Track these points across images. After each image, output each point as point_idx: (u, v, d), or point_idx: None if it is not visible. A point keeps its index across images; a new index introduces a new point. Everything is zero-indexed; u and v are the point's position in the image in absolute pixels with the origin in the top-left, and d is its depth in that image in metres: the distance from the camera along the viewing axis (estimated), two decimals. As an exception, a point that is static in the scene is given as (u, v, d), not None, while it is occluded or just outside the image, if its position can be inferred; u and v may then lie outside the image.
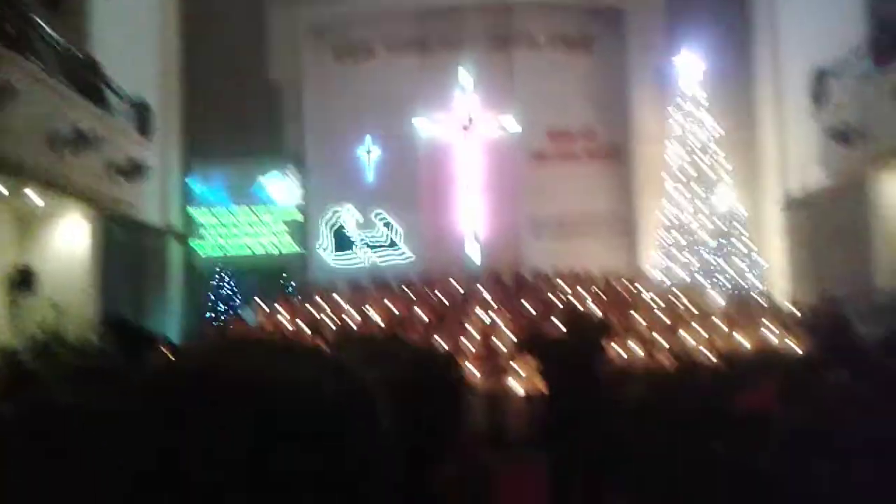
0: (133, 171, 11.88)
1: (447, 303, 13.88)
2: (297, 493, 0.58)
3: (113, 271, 12.56)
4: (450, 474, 1.73)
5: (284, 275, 16.30)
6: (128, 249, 13.70)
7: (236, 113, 16.11)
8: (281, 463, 0.57)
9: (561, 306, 12.74)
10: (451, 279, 15.03)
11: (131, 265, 14.16)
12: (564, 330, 6.33)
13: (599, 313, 12.79)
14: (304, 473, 0.58)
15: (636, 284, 14.89)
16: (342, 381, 0.65)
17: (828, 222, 14.31)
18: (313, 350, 0.70)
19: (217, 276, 15.99)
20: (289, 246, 16.74)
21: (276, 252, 16.72)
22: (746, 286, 14.58)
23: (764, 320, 12.66)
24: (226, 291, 15.77)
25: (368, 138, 17.32)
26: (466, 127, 17.43)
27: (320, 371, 0.65)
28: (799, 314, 13.00)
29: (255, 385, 0.60)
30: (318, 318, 13.15)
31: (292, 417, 0.59)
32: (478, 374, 10.99)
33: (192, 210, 16.71)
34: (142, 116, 12.93)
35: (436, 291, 14.54)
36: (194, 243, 16.57)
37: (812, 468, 4.14)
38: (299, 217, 16.80)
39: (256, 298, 14.62)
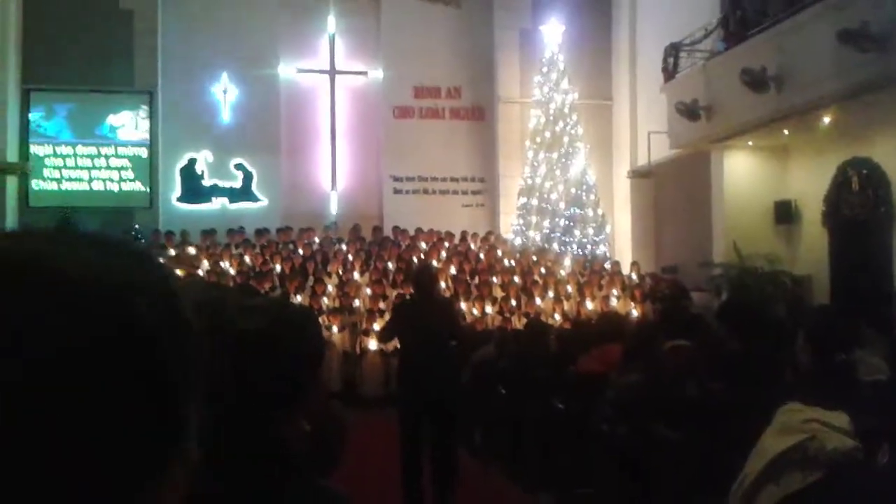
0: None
1: (304, 255, 13.66)
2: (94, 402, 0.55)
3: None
4: (303, 428, 1.71)
5: (130, 220, 15.48)
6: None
7: (84, 42, 15.07)
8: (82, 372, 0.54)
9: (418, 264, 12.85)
10: (308, 231, 14.79)
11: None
12: (415, 286, 6.33)
13: (455, 272, 13.02)
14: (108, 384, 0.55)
15: (492, 245, 15.21)
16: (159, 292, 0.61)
17: (670, 193, 15.10)
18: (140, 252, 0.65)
19: (56, 217, 14.95)
20: (135, 188, 15.89)
21: (121, 194, 15.83)
22: (595, 252, 15.18)
23: (609, 285, 13.26)
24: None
25: (225, 76, 16.60)
26: (330, 74, 17.09)
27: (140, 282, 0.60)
28: (640, 281, 13.69)
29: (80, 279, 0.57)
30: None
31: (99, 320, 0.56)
32: (334, 330, 10.94)
33: (31, 144, 15.50)
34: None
35: (292, 242, 14.29)
36: (32, 180, 15.40)
37: (644, 427, 4.38)
38: (148, 157, 15.94)
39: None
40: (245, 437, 1.50)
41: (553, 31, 16.30)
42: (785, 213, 12.44)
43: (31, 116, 15.51)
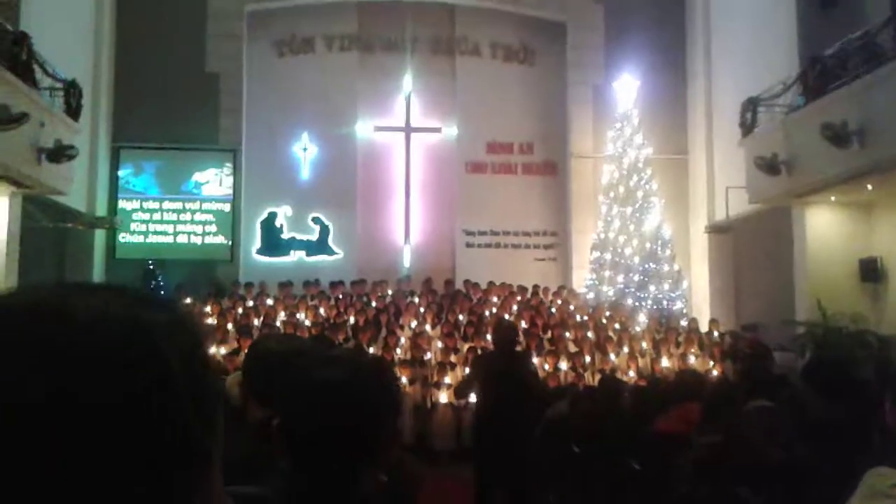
0: (60, 152, 11.42)
1: (377, 307, 13.79)
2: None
3: (33, 256, 12.11)
4: (381, 479, 1.72)
5: (212, 271, 15.95)
6: (50, 235, 13.22)
7: (172, 103, 15.78)
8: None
9: (489, 318, 12.82)
10: (381, 283, 14.96)
11: (53, 251, 13.69)
12: (494, 341, 6.32)
13: (527, 326, 12.93)
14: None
15: (565, 300, 15.08)
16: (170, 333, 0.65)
17: (750, 249, 14.76)
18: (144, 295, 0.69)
19: (142, 268, 15.50)
20: (218, 242, 16.40)
21: (203, 247, 16.35)
22: (671, 308, 14.89)
23: (686, 343, 12.95)
24: (151, 285, 15.27)
25: (305, 135, 17.16)
26: (406, 131, 17.44)
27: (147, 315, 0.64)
28: (720, 339, 13.33)
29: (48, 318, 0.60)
30: (246, 317, 12.89)
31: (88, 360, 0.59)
32: (405, 382, 10.95)
33: (120, 199, 16.20)
34: (71, 97, 12.43)
35: (366, 295, 14.45)
36: (120, 233, 16.06)
37: (726, 489, 4.23)
38: (231, 212, 16.47)
39: (182, 294, 14.26)
40: (327, 487, 1.52)
41: (627, 87, 16.33)
42: (870, 271, 12.01)
43: (121, 173, 16.24)
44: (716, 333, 13.66)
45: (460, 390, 7.81)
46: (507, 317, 12.76)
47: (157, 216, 16.33)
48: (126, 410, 0.58)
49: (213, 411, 0.66)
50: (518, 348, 6.78)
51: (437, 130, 17.58)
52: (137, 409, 0.59)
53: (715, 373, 11.71)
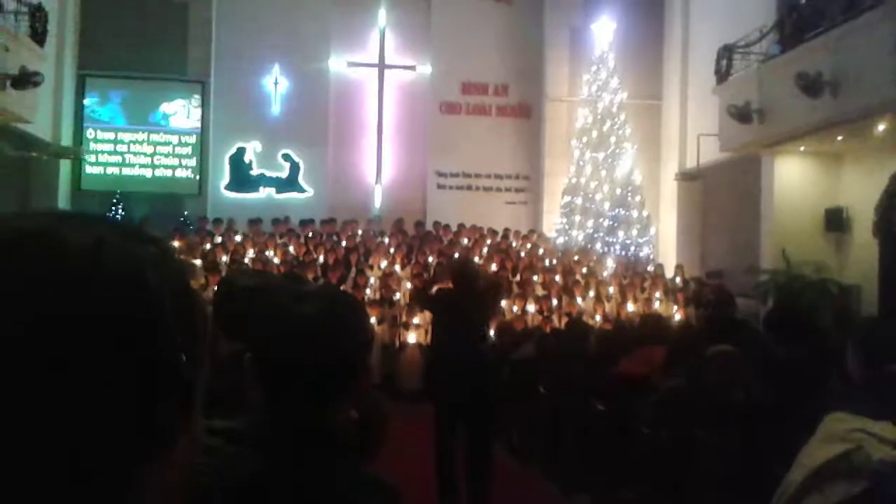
0: (25, 79, 11.08)
1: (347, 247, 13.76)
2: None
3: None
4: (352, 416, 1.73)
5: (179, 205, 15.75)
6: (14, 164, 12.94)
7: (139, 31, 15.39)
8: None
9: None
10: (352, 223, 14.90)
11: (17, 181, 13.41)
12: (452, 280, 6.28)
13: (496, 269, 13.00)
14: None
15: (535, 243, 15.16)
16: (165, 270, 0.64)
17: (719, 197, 14.90)
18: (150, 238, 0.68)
19: (108, 201, 15.25)
20: (185, 175, 16.16)
21: (171, 180, 16.10)
22: (638, 253, 15.05)
23: (652, 288, 13.13)
24: (117, 218, 15.05)
25: (276, 69, 16.83)
26: (379, 68, 17.18)
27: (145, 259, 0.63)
28: (684, 285, 13.53)
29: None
30: (214, 253, 12.79)
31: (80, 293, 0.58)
32: (373, 321, 11.01)
33: (85, 128, 15.84)
34: (37, 22, 12.00)
35: (336, 234, 14.40)
36: (85, 163, 15.74)
37: (686, 431, 4.35)
38: (198, 145, 16.20)
39: (147, 227, 14.07)
40: (300, 421, 1.53)
41: (604, 30, 16.19)
42: (836, 221, 12.20)
43: (86, 102, 15.84)
44: (680, 279, 13.86)
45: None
46: (476, 259, 12.82)
47: (122, 147, 16.01)
48: (118, 342, 0.58)
49: (199, 345, 0.66)
50: (483, 286, 6.73)
51: (412, 68, 17.35)
52: (129, 341, 0.58)
53: (678, 318, 11.92)
